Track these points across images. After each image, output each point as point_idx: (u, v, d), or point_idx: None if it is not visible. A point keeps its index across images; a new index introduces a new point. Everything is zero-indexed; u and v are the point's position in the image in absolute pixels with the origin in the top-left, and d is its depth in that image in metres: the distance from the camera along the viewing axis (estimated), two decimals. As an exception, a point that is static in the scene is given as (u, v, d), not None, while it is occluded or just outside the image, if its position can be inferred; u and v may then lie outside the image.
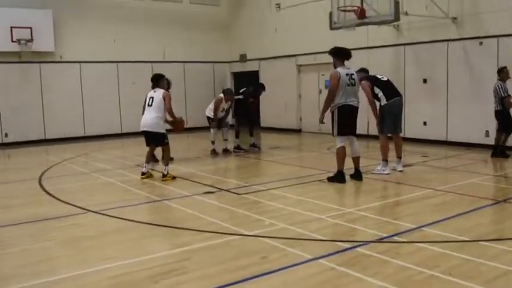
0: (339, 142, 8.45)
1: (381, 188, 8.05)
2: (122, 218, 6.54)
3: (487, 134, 12.07)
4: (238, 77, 20.65)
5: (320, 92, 16.75)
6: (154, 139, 9.26)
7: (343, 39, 14.56)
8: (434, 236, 5.44)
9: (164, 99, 9.07)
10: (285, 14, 17.42)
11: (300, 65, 17.37)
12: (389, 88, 9.42)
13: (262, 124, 19.02)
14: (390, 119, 9.21)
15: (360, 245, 5.15)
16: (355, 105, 8.57)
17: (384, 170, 9.06)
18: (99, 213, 6.86)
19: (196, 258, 4.97)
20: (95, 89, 17.42)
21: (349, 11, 12.20)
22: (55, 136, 16.71)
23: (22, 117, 16.21)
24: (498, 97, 10.60)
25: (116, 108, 17.88)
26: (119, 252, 5.23)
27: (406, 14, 12.42)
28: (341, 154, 8.40)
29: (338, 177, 8.28)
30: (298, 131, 17.43)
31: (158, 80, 9.43)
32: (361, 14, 11.82)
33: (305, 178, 8.87)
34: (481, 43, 12.09)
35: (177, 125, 9.67)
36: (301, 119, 17.52)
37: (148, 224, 6.26)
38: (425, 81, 13.36)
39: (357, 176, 8.47)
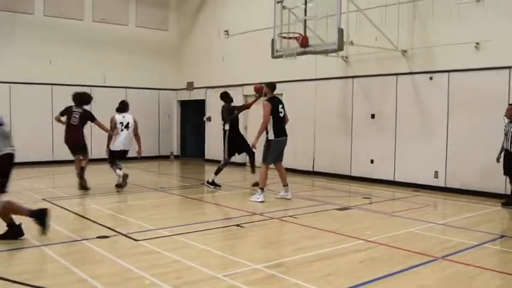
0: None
1: (302, 237, 6.89)
2: (-27, 270, 5.23)
3: (436, 174, 11.19)
4: (185, 105, 19.56)
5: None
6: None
7: (291, 69, 13.76)
8: (347, 307, 4.32)
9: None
10: (233, 41, 16.54)
11: (247, 95, 16.34)
12: (282, 124, 9.81)
13: (207, 156, 17.87)
14: (276, 152, 9.69)
15: (248, 320, 3.99)
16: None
17: (258, 198, 9.39)
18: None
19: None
20: (26, 112, 16.02)
21: (290, 38, 11.28)
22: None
23: None
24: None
25: (48, 133, 16.46)
26: None
27: (352, 43, 11.59)
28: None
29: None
30: (243, 165, 16.28)
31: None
32: (303, 41, 10.92)
33: (225, 221, 7.74)
34: (431, 78, 11.30)
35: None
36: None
37: (1, 279, 4.96)
38: (373, 116, 12.47)
39: None
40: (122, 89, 17.90)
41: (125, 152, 10.99)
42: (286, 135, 9.75)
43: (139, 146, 11.20)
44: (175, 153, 19.45)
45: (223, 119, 11.14)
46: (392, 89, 12.04)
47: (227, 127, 11.05)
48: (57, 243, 6.41)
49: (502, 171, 9.37)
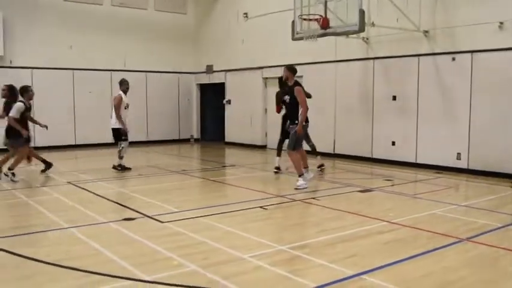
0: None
1: (325, 219, 6.94)
2: (7, 251, 5.38)
3: (458, 156, 11.11)
4: (204, 89, 19.61)
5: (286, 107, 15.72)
6: None
7: (310, 51, 13.70)
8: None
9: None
10: (253, 24, 16.46)
11: (266, 78, 16.34)
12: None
13: (227, 139, 17.95)
14: (303, 138, 9.51)
15: (276, 300, 4.06)
16: None
17: (302, 185, 8.98)
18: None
19: (61, 314, 3.84)
20: (48, 96, 16.19)
21: (311, 19, 11.20)
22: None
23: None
24: None
25: (70, 118, 16.66)
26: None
27: (373, 25, 11.50)
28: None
29: None
30: (263, 147, 16.35)
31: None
32: (323, 23, 10.84)
33: (248, 203, 7.79)
34: (453, 58, 11.16)
35: None
36: (266, 135, 16.41)
37: (31, 259, 5.09)
38: (394, 98, 12.38)
39: None
40: (142, 73, 18.01)
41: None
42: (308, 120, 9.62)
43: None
44: (195, 137, 19.56)
45: (279, 103, 10.86)
46: (414, 70, 11.92)
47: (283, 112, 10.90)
48: (84, 225, 6.54)
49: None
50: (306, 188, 8.89)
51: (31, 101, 10.42)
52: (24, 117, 9.96)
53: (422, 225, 6.49)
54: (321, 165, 11.33)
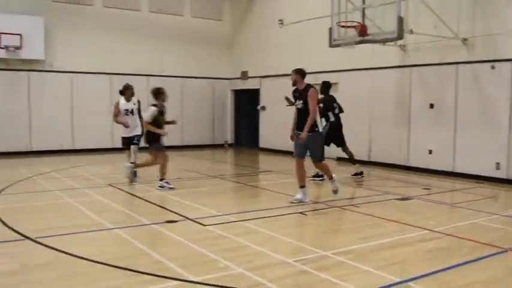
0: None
1: (366, 226, 6.96)
2: (56, 249, 5.56)
3: (497, 166, 10.96)
4: (238, 95, 19.76)
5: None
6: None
7: (346, 58, 13.72)
8: (420, 294, 4.38)
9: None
10: (288, 30, 16.52)
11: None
12: None
13: (261, 145, 18.04)
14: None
15: (324, 304, 4.11)
16: None
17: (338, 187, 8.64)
18: (37, 241, 5.89)
19: (115, 312, 3.97)
20: (86, 100, 16.59)
21: (349, 27, 11.25)
22: (42, 148, 15.87)
23: (7, 126, 15.39)
24: None
25: (107, 122, 16.97)
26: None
27: (412, 32, 11.44)
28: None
29: None
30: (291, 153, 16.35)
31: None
32: (361, 30, 10.86)
33: (287, 209, 7.85)
34: (493, 67, 11.03)
35: None
36: (300, 142, 16.42)
37: (82, 258, 5.25)
38: (432, 106, 12.29)
39: None
40: (178, 78, 18.26)
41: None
42: None
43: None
44: (229, 142, 19.72)
45: (328, 110, 10.95)
46: (452, 79, 11.82)
47: (332, 118, 11.01)
48: (129, 227, 6.70)
49: None
50: (301, 203, 8.16)
51: (164, 103, 9.91)
52: (158, 121, 9.63)
53: (465, 234, 6.45)
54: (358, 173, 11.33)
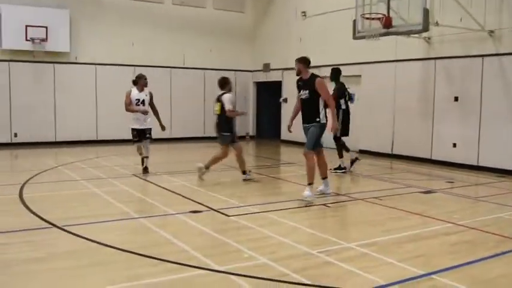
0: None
1: (389, 218, 6.95)
2: (83, 237, 5.67)
3: (523, 160, 10.82)
4: (261, 87, 19.77)
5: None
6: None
7: (370, 50, 13.64)
8: None
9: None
10: (311, 22, 16.48)
11: (324, 77, 16.28)
12: None
13: (283, 137, 18.05)
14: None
15: (349, 295, 4.14)
16: None
17: (309, 196, 7.76)
18: (63, 229, 6.02)
19: (143, 299, 4.05)
20: (110, 92, 16.70)
21: (373, 19, 11.17)
22: (66, 139, 16.11)
23: (33, 117, 15.66)
24: None
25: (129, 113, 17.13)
26: (51, 283, 4.35)
27: (437, 24, 11.31)
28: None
29: None
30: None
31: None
32: (386, 22, 10.77)
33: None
34: (520, 59, 10.87)
35: None
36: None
37: (108, 246, 5.35)
38: (456, 99, 12.16)
39: None
40: (200, 70, 18.33)
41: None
42: None
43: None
44: (250, 134, 19.76)
45: (339, 98, 10.87)
46: (478, 71, 11.67)
47: (344, 106, 10.94)
48: (154, 216, 6.79)
49: None
50: (310, 201, 7.66)
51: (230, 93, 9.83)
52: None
53: (490, 228, 6.40)
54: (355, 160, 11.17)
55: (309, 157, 7.96)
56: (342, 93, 11.01)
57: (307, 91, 7.94)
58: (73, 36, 16.02)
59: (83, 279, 4.49)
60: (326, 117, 8.02)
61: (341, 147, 11.06)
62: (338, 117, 10.26)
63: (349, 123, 11.21)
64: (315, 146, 8.00)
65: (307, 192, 7.69)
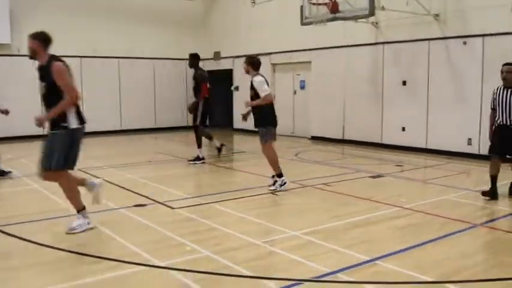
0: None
1: (337, 204, 6.91)
2: (19, 237, 5.37)
3: (469, 142, 11.01)
4: (212, 76, 19.44)
5: (295, 92, 15.69)
6: None
7: (319, 36, 13.60)
8: (389, 273, 4.33)
9: None
10: (260, 9, 16.26)
11: (275, 64, 16.26)
12: None
13: (235, 126, 17.89)
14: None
15: (291, 285, 4.03)
16: None
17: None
18: (-1, 230, 5.69)
19: (76, 300, 3.84)
20: (95, 84, 16.31)
21: (320, 4, 11.11)
22: (6, 134, 15.43)
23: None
24: None
25: (115, 104, 16.83)
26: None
27: (383, 8, 11.35)
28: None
29: None
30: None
31: None
32: (333, 7, 10.76)
33: (259, 189, 7.75)
34: (465, 42, 11.01)
35: None
36: (275, 122, 16.33)
37: (46, 246, 5.09)
38: (404, 83, 12.27)
39: None
40: (149, 60, 17.93)
41: None
42: None
43: None
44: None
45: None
46: (424, 55, 11.79)
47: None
48: (96, 212, 6.50)
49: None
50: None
51: None
52: None
53: (436, 210, 6.44)
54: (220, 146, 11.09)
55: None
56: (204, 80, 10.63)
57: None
58: (14, 27, 15.35)
59: (18, 281, 4.23)
60: None
61: (201, 137, 10.73)
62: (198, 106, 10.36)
63: (210, 112, 10.96)
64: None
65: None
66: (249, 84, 7.89)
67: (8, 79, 15.40)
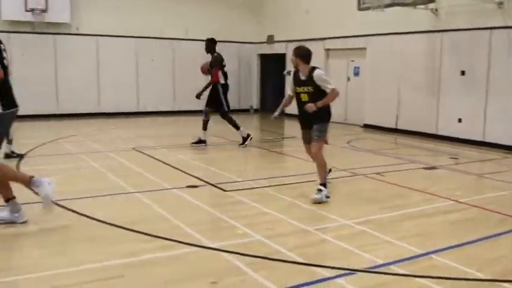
0: None
1: (389, 196, 6.80)
2: (76, 212, 5.57)
3: (530, 136, 10.60)
4: (264, 59, 19.48)
5: (348, 79, 15.47)
6: None
7: (375, 23, 13.34)
8: (443, 268, 4.24)
9: None
10: (317, -6, 16.11)
11: (328, 49, 16.06)
12: None
13: (287, 111, 17.76)
14: None
15: (343, 275, 4.01)
16: None
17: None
18: (56, 203, 5.88)
19: (131, 276, 3.95)
20: (112, 64, 16.57)
21: (379, -11, 10.85)
22: (68, 111, 15.95)
23: (33, 90, 15.42)
24: None
25: (132, 85, 17.00)
26: (42, 258, 4.26)
27: (445, -5, 10.99)
28: None
29: None
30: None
31: None
32: (392, -7, 10.47)
33: (310, 176, 7.66)
34: (529, 32, 10.57)
35: None
36: (326, 108, 16.19)
37: (101, 221, 5.25)
38: (463, 73, 11.89)
39: None
40: (203, 42, 17.97)
41: None
42: None
43: None
44: (255, 107, 19.55)
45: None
46: (485, 44, 11.38)
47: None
48: (150, 191, 6.66)
49: None
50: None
51: None
52: None
53: (492, 206, 6.24)
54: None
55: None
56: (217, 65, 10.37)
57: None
58: (73, 7, 15.73)
59: (73, 254, 4.39)
60: None
61: (231, 121, 10.58)
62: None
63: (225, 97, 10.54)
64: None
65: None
66: (296, 78, 6.75)
67: (66, 57, 15.84)
